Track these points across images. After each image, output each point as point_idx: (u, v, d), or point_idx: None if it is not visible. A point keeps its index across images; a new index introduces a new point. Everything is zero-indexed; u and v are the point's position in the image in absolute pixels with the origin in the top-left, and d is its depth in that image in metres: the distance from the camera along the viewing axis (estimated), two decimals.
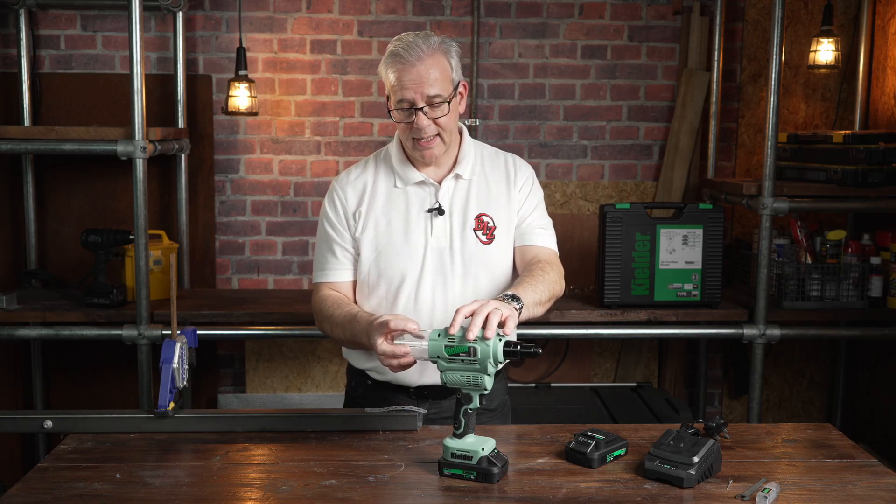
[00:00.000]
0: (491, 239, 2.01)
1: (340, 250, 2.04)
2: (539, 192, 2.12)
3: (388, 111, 1.96)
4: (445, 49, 1.92)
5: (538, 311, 1.89)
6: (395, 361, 1.72)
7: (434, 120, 1.91)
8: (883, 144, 3.03)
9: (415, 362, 1.73)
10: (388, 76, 1.92)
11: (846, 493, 1.60)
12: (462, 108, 2.01)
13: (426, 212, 2.00)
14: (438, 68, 1.89)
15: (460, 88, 1.97)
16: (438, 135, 1.94)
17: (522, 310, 1.78)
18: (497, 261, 2.03)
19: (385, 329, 1.71)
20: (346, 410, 2.08)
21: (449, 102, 1.92)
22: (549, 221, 2.13)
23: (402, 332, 1.71)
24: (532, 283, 1.88)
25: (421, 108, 1.89)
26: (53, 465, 1.72)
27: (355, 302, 2.06)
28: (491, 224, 2.02)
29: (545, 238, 2.08)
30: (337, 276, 2.05)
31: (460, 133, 2.07)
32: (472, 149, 2.08)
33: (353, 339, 1.91)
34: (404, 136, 1.97)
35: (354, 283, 2.06)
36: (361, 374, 2.10)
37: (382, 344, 1.72)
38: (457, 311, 1.65)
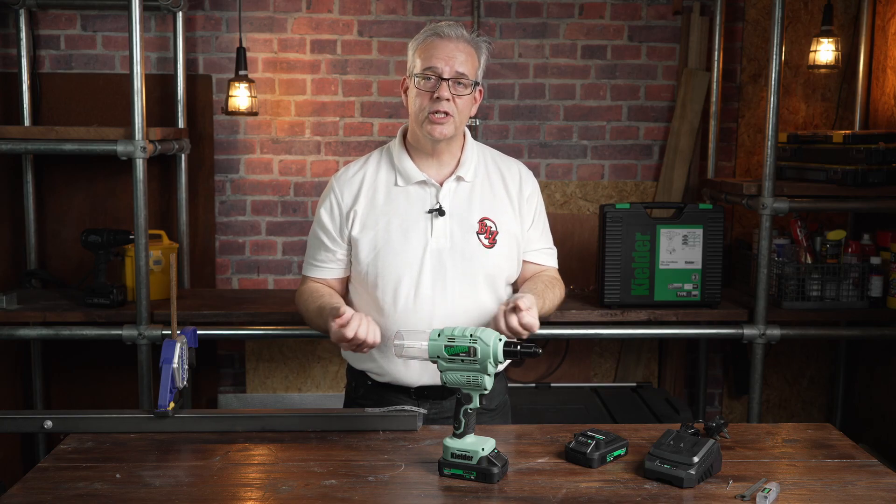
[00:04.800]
0: (493, 243, 2.02)
1: (328, 252, 2.07)
2: (543, 206, 2.16)
3: (404, 89, 2.01)
4: (479, 46, 2.00)
5: None
6: (346, 346, 1.84)
7: (454, 98, 1.93)
8: (883, 144, 3.03)
9: (373, 346, 1.83)
10: (422, 47, 1.96)
11: (846, 493, 1.60)
12: (474, 111, 2.04)
13: (426, 212, 2.00)
14: (471, 55, 1.97)
15: (478, 88, 2.01)
16: (451, 116, 1.95)
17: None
18: (498, 265, 2.03)
19: (336, 315, 1.81)
20: (346, 410, 2.08)
21: (470, 89, 1.96)
22: (551, 239, 2.18)
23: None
24: (542, 295, 1.99)
25: (447, 80, 1.92)
26: (53, 465, 1.72)
27: (349, 298, 2.09)
28: (494, 229, 2.03)
29: (551, 259, 2.15)
30: (323, 273, 2.09)
31: (463, 135, 2.07)
32: (476, 152, 2.09)
33: (327, 332, 1.96)
34: (418, 109, 1.96)
35: (345, 280, 2.09)
36: (361, 375, 2.10)
37: (334, 327, 1.81)
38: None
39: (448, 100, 1.92)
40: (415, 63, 1.96)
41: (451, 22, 1.99)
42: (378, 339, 1.84)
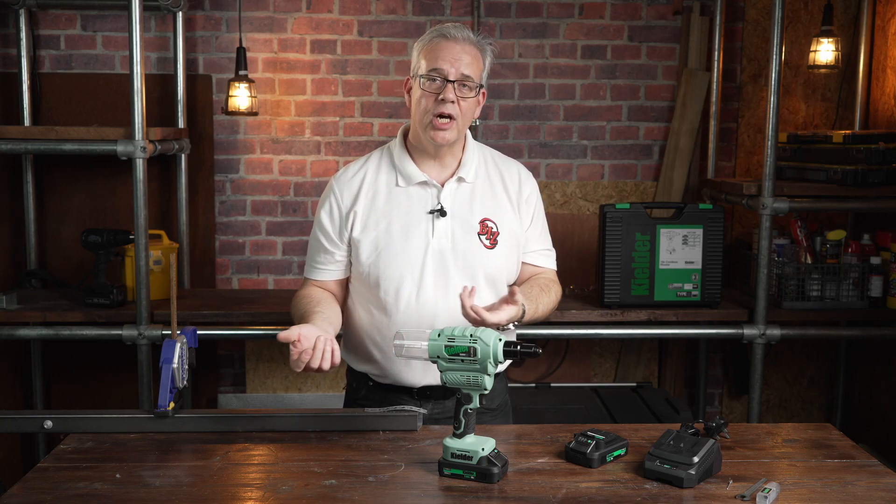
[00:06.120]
0: (494, 244, 2.02)
1: (327, 255, 2.06)
2: (542, 207, 2.15)
3: (408, 89, 2.00)
4: (484, 48, 1.99)
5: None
6: (300, 367, 1.72)
7: (459, 100, 1.93)
8: (883, 144, 3.03)
9: (329, 369, 1.73)
10: (427, 48, 1.95)
11: (846, 493, 1.60)
12: (477, 113, 2.04)
13: (427, 213, 2.00)
14: (476, 58, 1.96)
15: (482, 90, 2.01)
16: (455, 120, 1.94)
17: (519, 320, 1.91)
18: (499, 266, 2.03)
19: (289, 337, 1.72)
20: (346, 410, 2.08)
21: (475, 92, 1.96)
22: (550, 240, 2.18)
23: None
24: (536, 299, 1.98)
25: (452, 82, 1.92)
26: (53, 465, 1.72)
27: (350, 299, 2.09)
28: (495, 230, 2.03)
29: (549, 261, 2.15)
30: (322, 275, 2.09)
31: (464, 136, 2.07)
32: (477, 152, 2.09)
33: None
34: (422, 112, 1.95)
35: (345, 280, 2.09)
36: (362, 376, 2.10)
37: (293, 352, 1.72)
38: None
39: (453, 102, 1.92)
40: (420, 64, 1.96)
41: (457, 24, 1.99)
42: (337, 363, 1.74)
